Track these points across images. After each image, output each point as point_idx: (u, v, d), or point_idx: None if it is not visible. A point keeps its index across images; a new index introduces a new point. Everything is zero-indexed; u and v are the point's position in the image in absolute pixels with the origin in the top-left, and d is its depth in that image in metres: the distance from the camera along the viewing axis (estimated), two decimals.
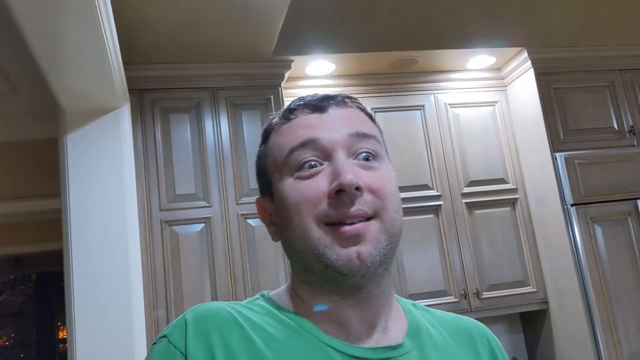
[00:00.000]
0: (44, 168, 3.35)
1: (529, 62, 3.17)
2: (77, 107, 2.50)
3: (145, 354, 2.53)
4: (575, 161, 3.05)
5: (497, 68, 3.39)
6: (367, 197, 0.70)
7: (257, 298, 0.78)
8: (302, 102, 0.78)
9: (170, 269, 2.70)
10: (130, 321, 2.44)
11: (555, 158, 3.06)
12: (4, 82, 2.94)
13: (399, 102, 3.25)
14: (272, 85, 2.98)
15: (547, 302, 3.17)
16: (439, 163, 3.20)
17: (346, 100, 0.78)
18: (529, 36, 3.09)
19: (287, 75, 3.00)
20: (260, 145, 0.81)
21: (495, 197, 3.25)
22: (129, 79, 2.59)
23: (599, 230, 2.98)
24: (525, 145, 3.28)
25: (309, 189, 0.70)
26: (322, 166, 0.72)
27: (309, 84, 3.15)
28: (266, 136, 0.80)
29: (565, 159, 3.04)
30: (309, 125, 0.74)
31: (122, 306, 2.45)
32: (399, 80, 3.27)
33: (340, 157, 0.71)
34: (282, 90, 3.01)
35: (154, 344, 0.72)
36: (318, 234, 0.69)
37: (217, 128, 2.90)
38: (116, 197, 2.52)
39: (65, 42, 1.97)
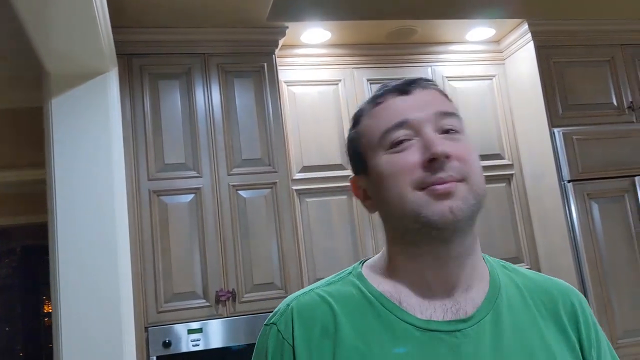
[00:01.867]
0: (29, 138, 3.28)
1: (529, 34, 3.10)
2: (63, 71, 2.41)
3: (133, 329, 2.47)
4: (574, 137, 3.00)
5: (496, 41, 3.32)
6: (454, 163, 0.78)
7: (350, 272, 0.88)
8: (388, 88, 0.86)
9: (158, 240, 2.62)
10: (118, 295, 2.37)
11: (554, 133, 3.01)
12: None
13: (395, 73, 3.16)
14: (265, 52, 2.89)
15: None
16: None
17: (428, 82, 0.86)
18: (530, 7, 3.01)
19: (281, 42, 2.90)
20: (351, 130, 0.90)
21: (490, 172, 3.19)
22: (116, 43, 2.49)
23: (595, 207, 2.95)
24: (523, 120, 3.22)
25: (403, 160, 0.79)
26: (412, 141, 0.80)
27: (303, 52, 3.06)
28: (356, 121, 0.89)
29: (564, 134, 2.99)
30: (397, 108, 0.82)
31: (109, 279, 2.37)
32: (396, 52, 3.19)
33: (428, 131, 0.80)
34: (276, 59, 2.91)
35: (266, 325, 0.85)
36: (414, 197, 0.78)
37: (208, 95, 2.81)
38: (103, 165, 2.44)
39: (52, 1, 1.86)
